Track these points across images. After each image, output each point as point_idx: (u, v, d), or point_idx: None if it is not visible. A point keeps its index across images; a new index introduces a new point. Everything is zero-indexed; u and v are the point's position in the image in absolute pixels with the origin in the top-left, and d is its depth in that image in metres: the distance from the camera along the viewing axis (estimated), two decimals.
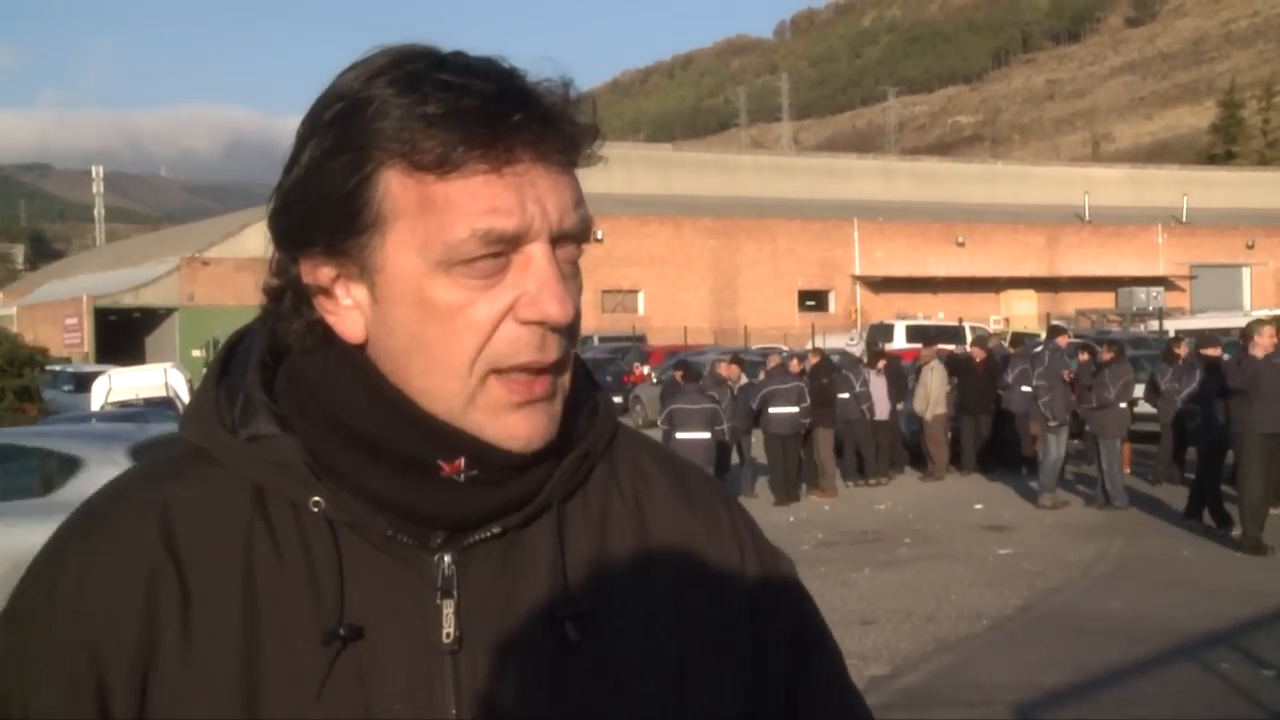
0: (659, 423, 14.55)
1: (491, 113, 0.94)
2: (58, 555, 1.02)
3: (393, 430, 0.99)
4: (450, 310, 0.96)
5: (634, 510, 1.09)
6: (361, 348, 1.00)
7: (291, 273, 1.01)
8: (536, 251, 0.97)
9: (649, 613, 1.05)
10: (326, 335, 1.02)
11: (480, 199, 0.95)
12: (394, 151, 0.95)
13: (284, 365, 1.05)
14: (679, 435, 13.82)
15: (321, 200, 0.97)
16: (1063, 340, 15.29)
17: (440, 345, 0.97)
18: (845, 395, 16.85)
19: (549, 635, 1.01)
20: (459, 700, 0.98)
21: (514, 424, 0.98)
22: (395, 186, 0.95)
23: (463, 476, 0.99)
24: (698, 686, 1.05)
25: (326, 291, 1.00)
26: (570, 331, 1.00)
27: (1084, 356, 15.85)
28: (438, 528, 1.00)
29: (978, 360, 17.92)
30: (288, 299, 1.03)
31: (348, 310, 1.00)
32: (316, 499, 0.99)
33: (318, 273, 0.99)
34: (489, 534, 1.01)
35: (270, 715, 0.95)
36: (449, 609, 0.99)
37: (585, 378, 1.10)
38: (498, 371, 0.97)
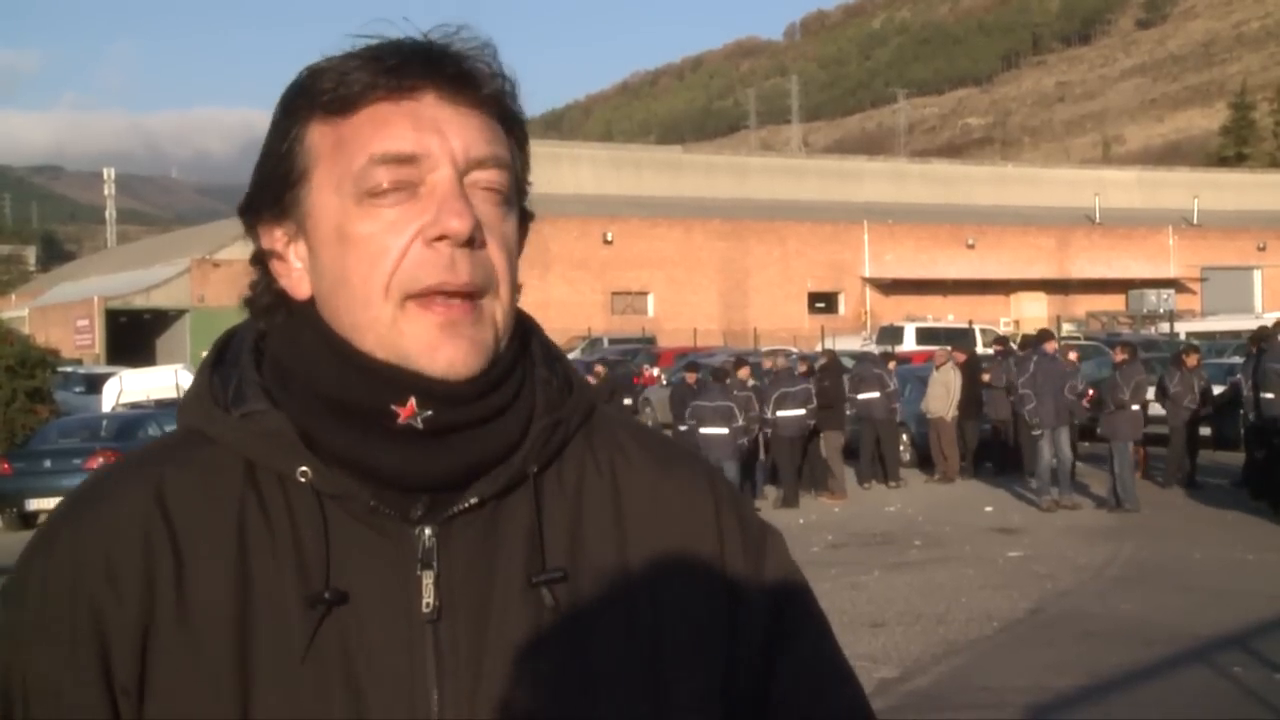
0: (686, 416, 14.77)
1: (394, 51, 1.02)
2: (56, 528, 1.05)
3: (345, 380, 1.03)
4: (364, 240, 1.01)
5: (610, 481, 1.11)
6: (311, 304, 1.07)
7: (258, 251, 1.09)
8: (440, 176, 1.02)
9: (624, 580, 1.07)
10: (289, 307, 1.08)
11: (378, 127, 1.02)
12: (314, 104, 1.03)
13: (266, 345, 1.11)
14: (702, 431, 14.17)
15: (264, 166, 1.07)
16: (1050, 346, 15.19)
17: (358, 275, 1.02)
18: (875, 394, 16.89)
19: (526, 602, 1.04)
20: (440, 668, 1.01)
21: (434, 346, 1.01)
22: (315, 136, 1.04)
23: (419, 421, 1.02)
24: (674, 652, 1.07)
25: (280, 256, 1.08)
26: (486, 255, 1.03)
27: (1073, 356, 15.89)
28: (416, 489, 1.03)
29: (958, 363, 17.87)
30: (260, 284, 1.10)
31: (295, 271, 1.07)
32: (304, 469, 1.02)
33: (272, 236, 1.08)
34: (467, 504, 1.04)
35: (259, 677, 0.99)
36: (429, 580, 1.02)
37: (553, 352, 1.15)
38: (414, 296, 1.01)
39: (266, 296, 1.09)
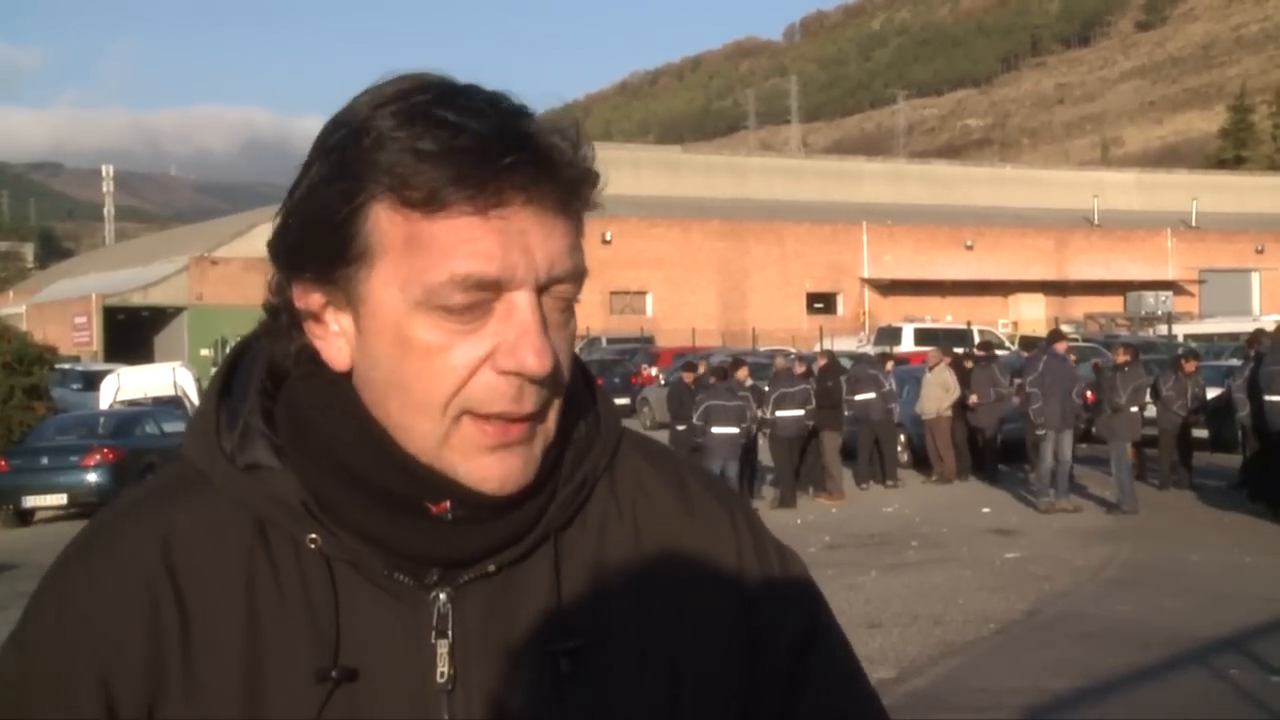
0: (694, 418, 14.77)
1: (485, 153, 0.93)
2: (61, 581, 1.02)
3: (380, 468, 0.99)
4: (428, 351, 0.95)
5: (630, 525, 1.08)
6: (348, 376, 1.00)
7: (286, 294, 1.01)
8: (519, 300, 0.95)
9: (644, 635, 1.04)
10: (318, 360, 1.01)
11: (463, 242, 0.93)
12: (386, 185, 0.93)
13: (283, 391, 1.05)
14: (714, 430, 14.33)
15: (315, 226, 0.96)
16: (1061, 346, 15.19)
17: (417, 384, 0.96)
18: (872, 395, 16.90)
19: (543, 670, 1.00)
20: None
21: (487, 466, 0.97)
22: (384, 221, 0.94)
23: (450, 516, 0.99)
24: (693, 705, 1.04)
25: (316, 317, 1.00)
26: (553, 382, 0.98)
27: (1095, 363, 15.88)
28: (433, 565, 1.00)
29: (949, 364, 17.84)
30: (283, 319, 1.02)
31: (335, 337, 1.00)
32: (313, 536, 0.99)
33: (309, 298, 0.99)
34: (485, 571, 1.01)
35: None
36: (443, 648, 0.99)
37: (586, 391, 1.09)
38: (473, 414, 0.96)
39: (295, 344, 1.02)
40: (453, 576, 1.01)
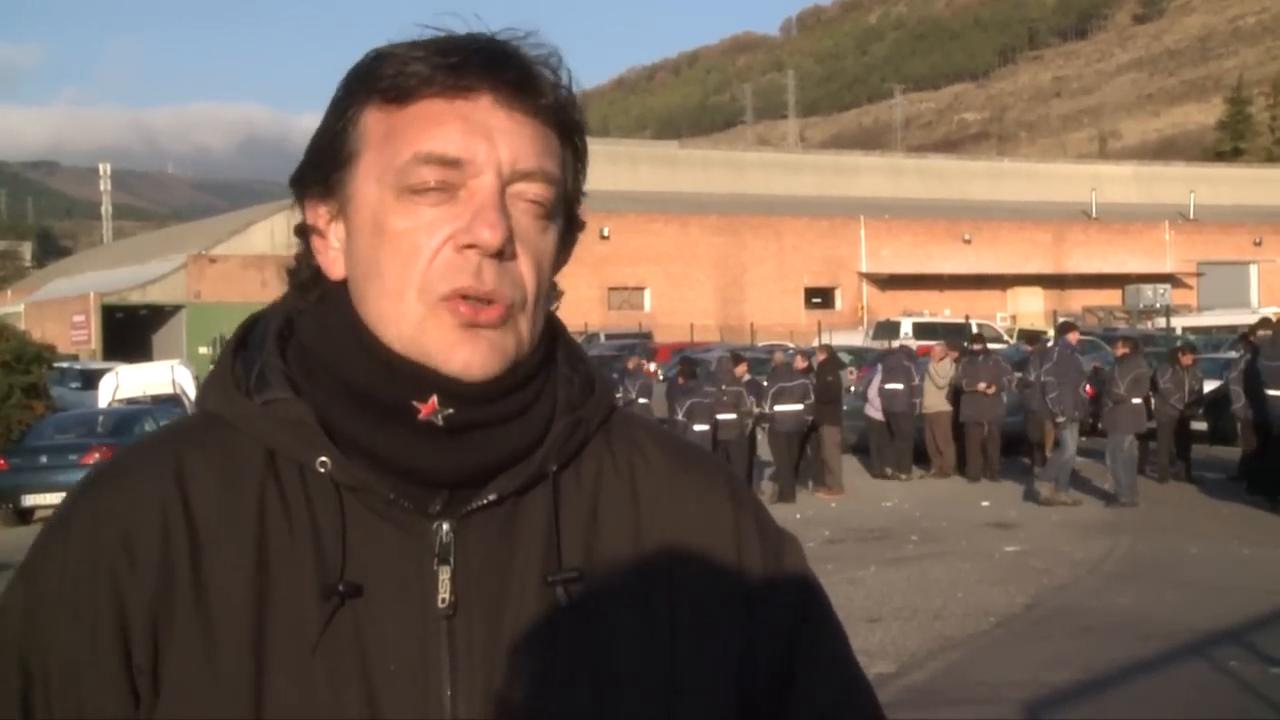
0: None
1: (457, 49, 1.01)
2: (75, 506, 1.05)
3: (370, 374, 1.03)
4: (399, 235, 1.01)
5: (628, 483, 1.11)
6: (344, 286, 1.06)
7: (303, 224, 1.09)
8: (481, 183, 1.01)
9: (640, 580, 1.07)
10: (323, 287, 1.09)
11: (429, 125, 1.01)
12: (373, 89, 1.03)
13: (294, 332, 1.10)
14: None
15: (319, 142, 1.06)
16: (1073, 337, 15.19)
17: (389, 268, 1.01)
18: (899, 386, 16.99)
19: (541, 599, 1.03)
20: (453, 663, 1.01)
21: (454, 346, 1.01)
22: (369, 120, 1.03)
23: (440, 418, 1.01)
24: (688, 652, 1.06)
25: (321, 234, 1.08)
26: (517, 267, 1.03)
27: (1095, 366, 15.84)
28: (437, 484, 1.03)
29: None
30: (304, 251, 1.10)
31: (333, 250, 1.07)
32: (323, 459, 1.02)
33: (316, 212, 1.08)
34: (486, 501, 1.04)
35: (273, 665, 0.99)
36: (445, 575, 1.02)
37: (577, 354, 1.14)
38: (443, 298, 1.01)
39: (306, 271, 1.09)
40: (455, 508, 1.03)
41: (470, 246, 1.00)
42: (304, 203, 1.08)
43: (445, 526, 1.03)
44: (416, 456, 1.02)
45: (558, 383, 1.10)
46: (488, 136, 1.01)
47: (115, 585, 1.00)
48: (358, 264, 1.04)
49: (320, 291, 1.08)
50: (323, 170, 1.05)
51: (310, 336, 1.08)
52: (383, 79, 1.02)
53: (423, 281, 1.00)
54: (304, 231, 1.09)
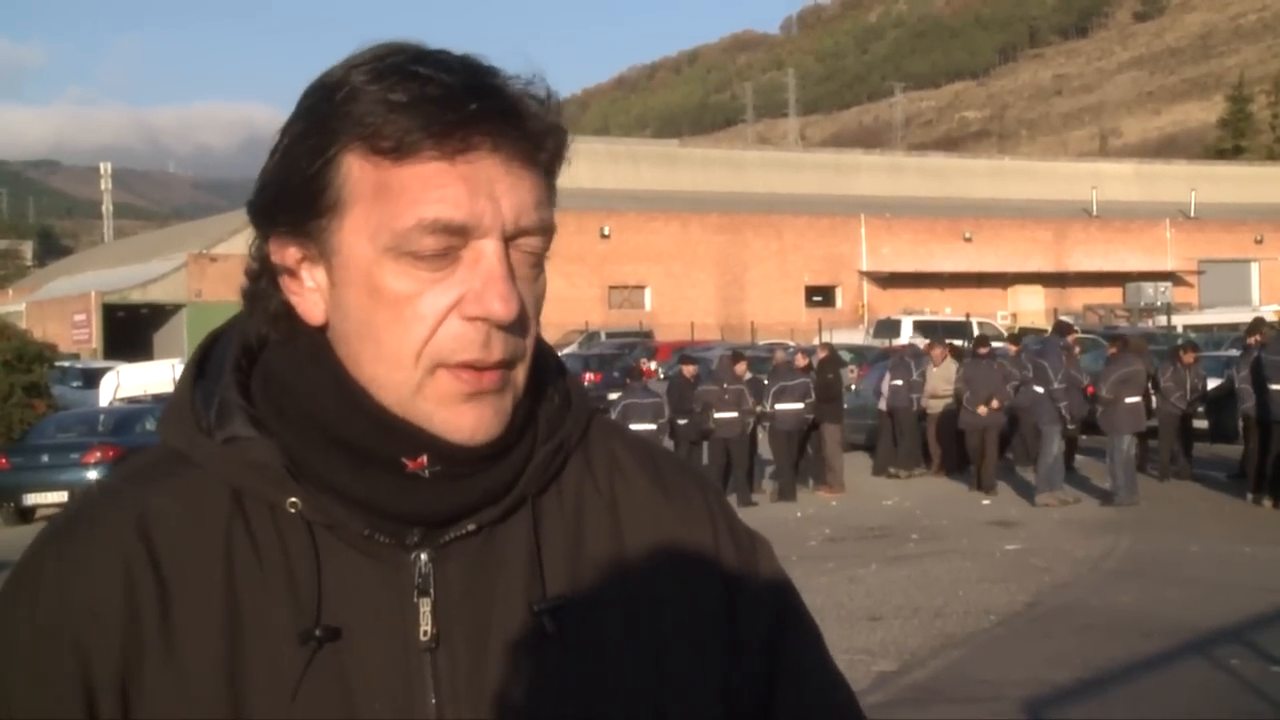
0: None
1: (453, 101, 0.95)
2: (38, 560, 1.01)
3: (355, 424, 1.00)
4: (398, 299, 0.96)
5: (609, 501, 1.09)
6: (324, 333, 1.02)
7: (265, 254, 1.03)
8: (486, 248, 0.97)
9: (625, 602, 1.05)
10: (295, 322, 1.03)
11: (431, 188, 0.95)
12: (356, 135, 0.96)
13: (259, 363, 1.06)
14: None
15: (289, 180, 0.98)
16: (1071, 338, 15.13)
17: (387, 333, 0.97)
18: (899, 382, 17.06)
19: (526, 628, 1.01)
20: (439, 697, 0.99)
21: (459, 415, 0.98)
22: (355, 170, 0.97)
23: (427, 473, 0.99)
24: (676, 673, 1.05)
25: (292, 273, 1.01)
26: (520, 328, 0.99)
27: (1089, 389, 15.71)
28: (414, 525, 1.00)
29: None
30: (262, 282, 1.04)
31: (310, 292, 1.01)
32: (293, 500, 0.99)
33: (285, 253, 1.01)
34: (465, 531, 1.02)
35: (251, 716, 0.96)
36: (425, 607, 1.00)
37: (555, 368, 1.11)
38: (445, 365, 0.97)
39: (274, 304, 1.03)
40: (433, 538, 1.01)
41: (480, 318, 0.97)
42: (268, 237, 1.01)
43: (424, 557, 1.00)
44: (398, 502, 1.00)
45: (539, 405, 1.07)
46: (492, 197, 0.96)
47: (80, 649, 0.97)
48: (347, 320, 0.99)
49: (289, 327, 1.03)
50: (296, 214, 0.99)
51: (283, 373, 1.04)
52: (366, 125, 0.95)
53: (427, 350, 0.97)
54: (266, 262, 1.03)
